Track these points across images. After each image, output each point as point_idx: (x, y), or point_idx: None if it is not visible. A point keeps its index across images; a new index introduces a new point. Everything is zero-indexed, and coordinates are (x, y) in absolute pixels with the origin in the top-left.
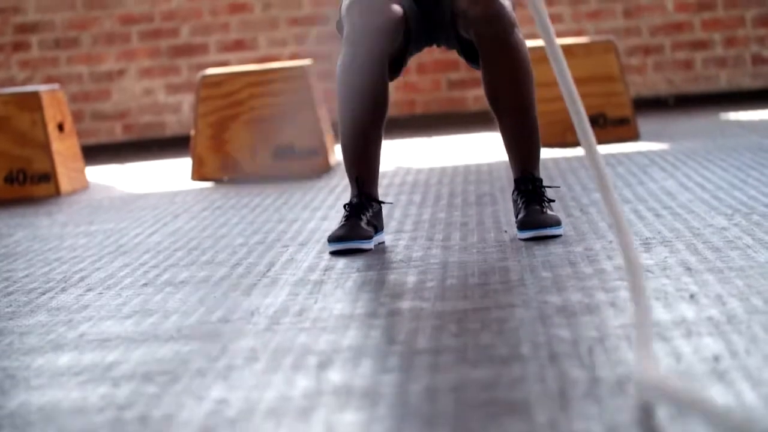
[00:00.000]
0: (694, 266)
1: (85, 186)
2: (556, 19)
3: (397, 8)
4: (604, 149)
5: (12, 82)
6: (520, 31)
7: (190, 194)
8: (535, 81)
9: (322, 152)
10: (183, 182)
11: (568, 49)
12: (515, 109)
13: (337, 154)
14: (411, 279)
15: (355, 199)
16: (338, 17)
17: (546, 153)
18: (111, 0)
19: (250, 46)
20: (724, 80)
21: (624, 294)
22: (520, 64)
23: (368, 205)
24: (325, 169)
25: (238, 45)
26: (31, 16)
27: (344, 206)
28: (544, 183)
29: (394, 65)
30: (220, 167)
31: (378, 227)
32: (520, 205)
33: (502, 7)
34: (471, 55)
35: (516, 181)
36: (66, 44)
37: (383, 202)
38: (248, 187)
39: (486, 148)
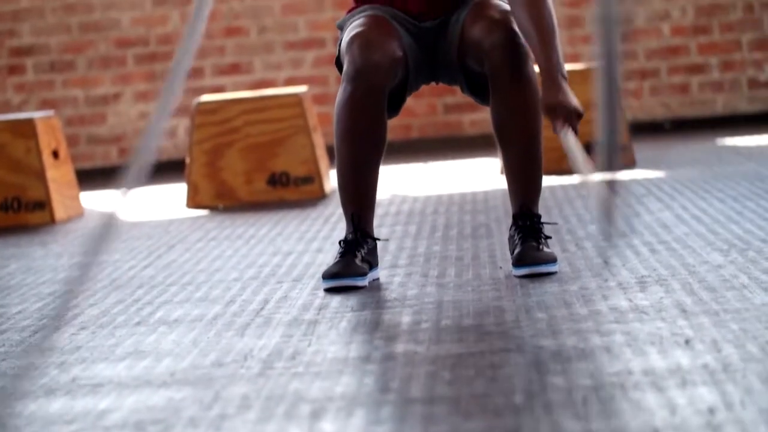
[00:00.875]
0: (689, 308)
1: (80, 213)
2: None
3: (396, 46)
4: (600, 176)
5: (7, 105)
6: (533, 63)
7: (184, 223)
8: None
9: (318, 179)
10: (178, 210)
11: None
12: (522, 142)
13: (332, 180)
14: (406, 319)
15: (350, 236)
16: (337, 53)
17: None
18: (106, 23)
19: (246, 69)
20: (720, 104)
21: (619, 339)
22: (532, 97)
23: (363, 242)
24: (320, 197)
25: (234, 69)
26: (27, 40)
27: (339, 242)
28: (542, 216)
29: (393, 103)
30: (215, 194)
31: (373, 264)
32: (516, 241)
33: (517, 36)
34: (477, 89)
35: (514, 216)
36: (61, 67)
37: (378, 239)
38: (243, 215)
39: (482, 174)
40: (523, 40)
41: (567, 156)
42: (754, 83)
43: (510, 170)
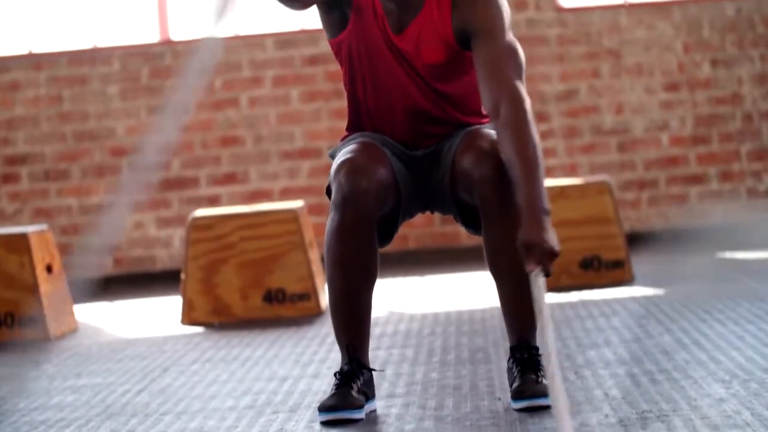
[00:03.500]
0: None
1: (74, 328)
2: (550, 153)
3: (386, 173)
4: (598, 294)
5: (1, 215)
6: None
7: (179, 341)
8: None
9: (314, 296)
10: (173, 326)
11: (562, 191)
12: (516, 274)
13: (327, 294)
14: None
15: (345, 367)
16: (328, 181)
17: None
18: (101, 132)
19: (242, 179)
20: (719, 215)
21: None
22: None
23: (359, 373)
24: (316, 313)
25: (230, 178)
26: (21, 148)
27: (335, 374)
28: (540, 347)
29: (386, 231)
30: (210, 311)
31: (369, 395)
32: (515, 373)
33: (506, 167)
34: (469, 220)
35: (512, 348)
36: (56, 176)
37: (374, 370)
38: (239, 333)
39: (479, 290)
40: None
41: (532, 297)
42: (753, 193)
43: (505, 302)
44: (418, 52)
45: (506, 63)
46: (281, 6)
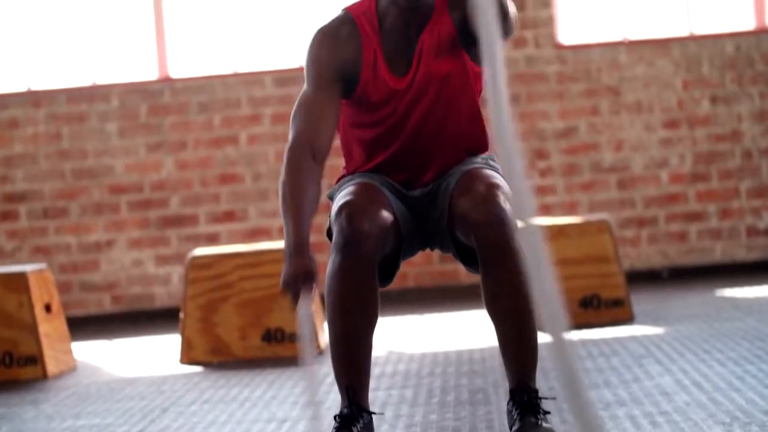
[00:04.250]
0: None
1: (72, 367)
2: (549, 190)
3: (387, 214)
4: (598, 333)
5: (0, 252)
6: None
7: (178, 381)
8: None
9: (313, 336)
10: (172, 365)
11: (561, 230)
12: (514, 317)
13: (326, 335)
14: None
15: (345, 410)
16: (328, 223)
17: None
18: (100, 169)
19: (241, 217)
20: (718, 252)
21: None
22: (522, 271)
23: (359, 416)
24: (315, 353)
25: (228, 216)
26: (20, 186)
27: (334, 417)
28: (539, 385)
29: (387, 270)
30: (209, 350)
31: None
32: (515, 416)
33: (503, 211)
34: (468, 259)
35: (511, 391)
36: (54, 214)
37: (374, 413)
38: (238, 373)
39: (479, 329)
40: (510, 214)
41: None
42: (752, 231)
43: (504, 346)
44: (430, 70)
45: None
46: None
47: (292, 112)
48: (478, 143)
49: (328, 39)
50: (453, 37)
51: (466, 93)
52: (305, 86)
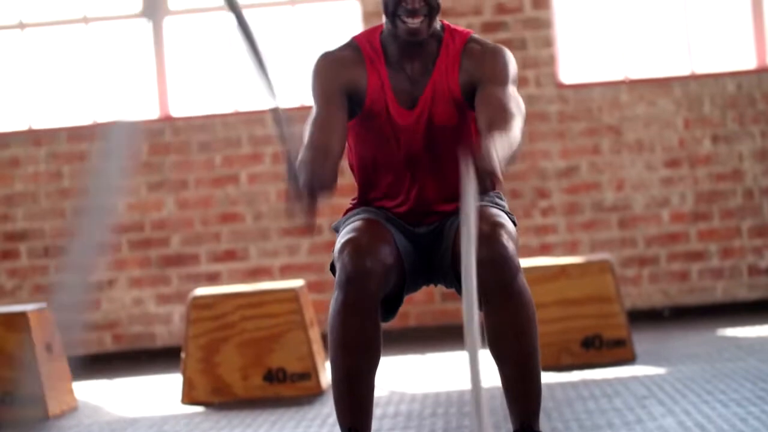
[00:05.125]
0: None
1: (73, 407)
2: (550, 230)
3: (390, 252)
4: (600, 373)
5: (0, 291)
6: (524, 276)
7: (180, 421)
8: (537, 323)
9: (314, 376)
10: (173, 405)
11: (563, 270)
12: (517, 358)
13: (328, 375)
14: None
15: None
16: (332, 258)
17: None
18: None
19: (242, 256)
20: (720, 291)
21: None
22: (525, 311)
23: None
24: (317, 393)
25: (229, 255)
26: (20, 224)
27: None
28: (543, 426)
29: (390, 306)
30: (210, 390)
31: None
32: None
33: (506, 250)
34: None
35: None
36: (55, 253)
37: None
38: (239, 413)
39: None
40: (512, 253)
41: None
42: (753, 270)
43: (507, 386)
44: (431, 117)
45: (507, 102)
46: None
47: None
48: None
49: (332, 60)
50: (459, 99)
51: (468, 140)
52: (313, 108)
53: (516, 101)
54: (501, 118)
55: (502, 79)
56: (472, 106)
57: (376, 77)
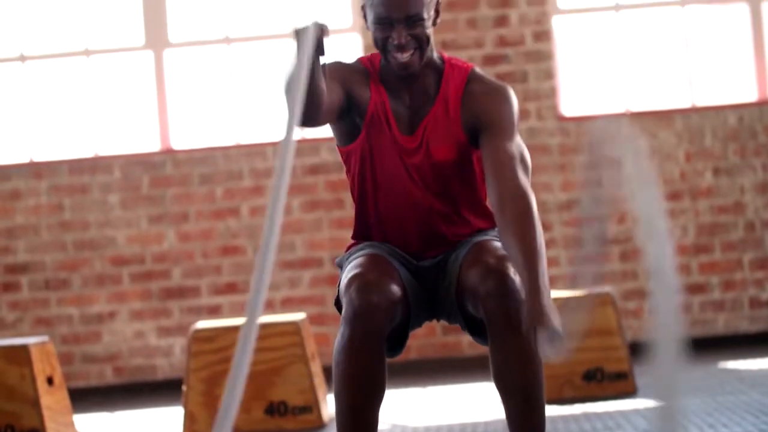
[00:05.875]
0: None
1: None
2: (551, 262)
3: (395, 287)
4: (602, 406)
5: (1, 323)
6: None
7: None
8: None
9: (316, 409)
10: None
11: (564, 303)
12: (522, 390)
13: (330, 408)
14: None
15: None
16: (337, 294)
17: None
18: (102, 241)
19: (243, 289)
20: (721, 324)
21: None
22: (529, 344)
23: None
24: (318, 426)
25: (231, 288)
26: (21, 257)
27: None
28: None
29: (396, 341)
30: (212, 423)
31: None
32: None
33: (514, 283)
34: (476, 330)
35: None
36: (56, 285)
37: None
38: None
39: (483, 402)
40: (519, 286)
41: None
42: (755, 302)
43: (512, 419)
44: (429, 150)
45: (513, 160)
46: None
47: None
48: (484, 220)
49: (341, 63)
50: (462, 141)
51: (467, 176)
52: None
53: (523, 157)
54: (526, 227)
55: (507, 128)
56: (474, 145)
57: (377, 94)
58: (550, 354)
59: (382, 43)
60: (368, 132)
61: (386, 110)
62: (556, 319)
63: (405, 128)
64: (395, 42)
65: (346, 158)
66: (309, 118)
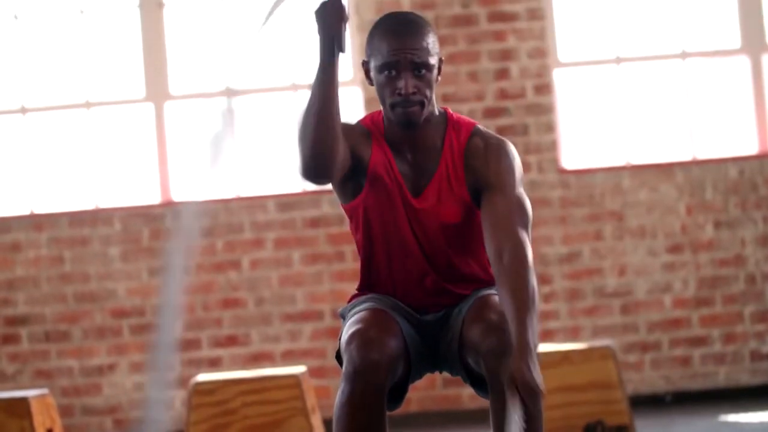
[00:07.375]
0: None
1: None
2: (552, 315)
3: (397, 343)
4: None
5: (1, 376)
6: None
7: None
8: (543, 411)
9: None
10: None
11: (565, 356)
12: None
13: None
14: None
15: None
16: (338, 348)
17: None
18: (102, 293)
19: (243, 341)
20: (722, 377)
21: None
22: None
23: None
24: None
25: (231, 341)
26: (21, 309)
27: None
28: None
29: (396, 394)
30: None
31: None
32: None
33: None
34: (478, 383)
35: None
36: (56, 337)
37: None
38: None
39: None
40: None
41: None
42: (756, 355)
43: None
44: (437, 212)
45: (513, 214)
46: (304, 179)
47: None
48: (488, 275)
49: (342, 124)
50: (467, 201)
51: (473, 235)
52: None
53: (523, 209)
54: (521, 278)
55: (507, 182)
56: (477, 204)
57: (381, 154)
58: (517, 407)
59: (387, 92)
60: (371, 187)
61: (393, 169)
62: (537, 376)
63: (412, 188)
64: (402, 90)
65: (352, 214)
66: (324, 157)
